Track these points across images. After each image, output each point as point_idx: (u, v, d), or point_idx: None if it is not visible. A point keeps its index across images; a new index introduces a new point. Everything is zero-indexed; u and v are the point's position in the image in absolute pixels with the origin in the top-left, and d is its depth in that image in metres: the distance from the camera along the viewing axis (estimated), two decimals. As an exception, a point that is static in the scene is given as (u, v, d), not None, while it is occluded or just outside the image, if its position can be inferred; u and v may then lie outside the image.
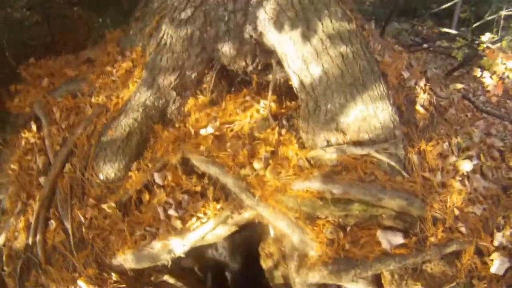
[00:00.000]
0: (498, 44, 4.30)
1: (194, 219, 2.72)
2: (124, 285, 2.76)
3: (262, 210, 2.55)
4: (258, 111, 2.85)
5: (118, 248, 2.78)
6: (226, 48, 2.82)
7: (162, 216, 2.78)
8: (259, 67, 2.92)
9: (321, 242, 2.48)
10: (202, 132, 2.80)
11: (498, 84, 3.43)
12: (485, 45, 3.92)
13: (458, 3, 6.94)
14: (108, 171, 2.91)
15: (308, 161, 2.63)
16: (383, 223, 2.57)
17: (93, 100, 3.10)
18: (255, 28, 2.73)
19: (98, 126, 2.97)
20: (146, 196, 2.84)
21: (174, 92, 2.89)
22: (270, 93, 2.81)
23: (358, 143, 2.60)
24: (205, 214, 2.71)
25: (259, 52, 2.83)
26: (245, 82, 3.09)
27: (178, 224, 2.73)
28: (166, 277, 3.04)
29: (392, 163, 2.58)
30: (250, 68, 2.91)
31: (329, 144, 2.62)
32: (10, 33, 4.46)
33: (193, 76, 2.90)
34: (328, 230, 2.51)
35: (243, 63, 2.87)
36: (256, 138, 2.77)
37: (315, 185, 2.53)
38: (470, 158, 3.04)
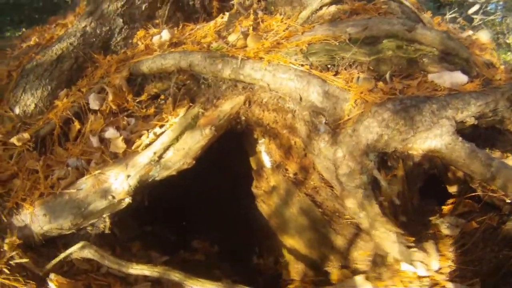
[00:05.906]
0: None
1: (144, 136, 1.74)
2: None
3: (251, 70, 1.68)
4: (222, 17, 2.24)
5: (23, 196, 1.62)
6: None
7: (95, 144, 1.77)
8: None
9: (355, 91, 1.56)
10: (155, 40, 2.11)
11: None
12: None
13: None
14: (27, 101, 2.03)
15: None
16: (427, 69, 1.74)
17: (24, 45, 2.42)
18: None
19: (25, 62, 2.20)
20: (75, 127, 1.86)
21: (121, 20, 2.31)
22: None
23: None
24: (161, 127, 1.76)
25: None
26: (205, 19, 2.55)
27: (120, 146, 1.72)
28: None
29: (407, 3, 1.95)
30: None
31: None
32: None
33: (143, 6, 2.39)
34: (361, 77, 1.63)
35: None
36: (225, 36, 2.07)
37: (321, 31, 1.77)
38: None
